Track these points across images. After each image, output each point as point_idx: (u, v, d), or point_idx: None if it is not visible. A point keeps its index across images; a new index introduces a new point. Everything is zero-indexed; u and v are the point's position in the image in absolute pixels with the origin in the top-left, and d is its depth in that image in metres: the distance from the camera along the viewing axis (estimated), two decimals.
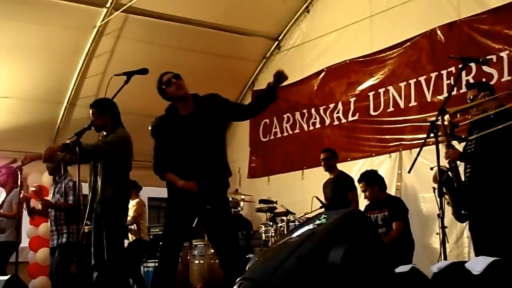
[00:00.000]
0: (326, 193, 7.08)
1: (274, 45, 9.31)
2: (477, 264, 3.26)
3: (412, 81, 7.13)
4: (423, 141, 4.35)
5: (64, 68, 8.35)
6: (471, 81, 6.15)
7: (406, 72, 7.25)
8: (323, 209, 6.48)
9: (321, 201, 6.82)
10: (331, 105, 8.23)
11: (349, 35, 8.01)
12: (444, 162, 4.59)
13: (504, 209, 4.43)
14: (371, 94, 7.67)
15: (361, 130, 7.77)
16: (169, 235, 4.43)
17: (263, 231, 7.46)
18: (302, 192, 8.06)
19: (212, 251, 6.87)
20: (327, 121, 8.29)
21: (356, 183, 6.63)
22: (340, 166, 7.19)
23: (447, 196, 4.70)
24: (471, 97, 4.67)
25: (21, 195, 6.64)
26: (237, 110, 4.73)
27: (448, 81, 6.64)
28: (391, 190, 6.81)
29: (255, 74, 9.63)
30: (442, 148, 4.52)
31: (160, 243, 4.64)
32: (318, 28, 8.54)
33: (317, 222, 3.43)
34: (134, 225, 7.93)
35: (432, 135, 4.21)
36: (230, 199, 6.36)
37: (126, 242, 7.03)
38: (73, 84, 8.51)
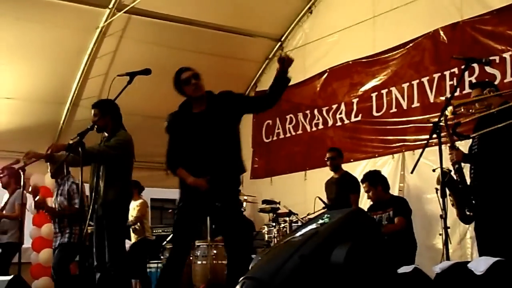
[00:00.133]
0: (328, 193, 7.04)
1: (277, 46, 9.29)
2: (480, 265, 3.26)
3: (415, 82, 7.12)
4: (426, 142, 4.33)
5: (67, 69, 8.35)
6: (474, 82, 6.14)
7: (409, 73, 7.24)
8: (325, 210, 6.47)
9: (324, 202, 6.80)
10: (334, 106, 8.22)
11: (351, 36, 7.99)
12: (447, 163, 4.57)
13: (510, 210, 4.40)
14: (374, 95, 7.66)
15: (364, 131, 7.75)
16: (179, 232, 4.39)
17: (265, 232, 7.46)
18: (304, 193, 8.06)
19: (215, 251, 6.89)
20: (330, 122, 8.28)
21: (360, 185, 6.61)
22: (343, 167, 7.16)
23: (451, 198, 4.68)
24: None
25: (30, 193, 6.61)
26: (254, 102, 4.77)
27: (451, 82, 6.63)
28: (394, 191, 6.77)
29: (258, 75, 9.63)
30: (445, 149, 4.51)
31: (163, 243, 4.63)
32: (321, 29, 8.53)
33: (320, 221, 3.44)
34: (138, 224, 7.94)
35: (435, 136, 4.19)
36: None
37: (127, 243, 7.04)
38: (76, 85, 8.51)
